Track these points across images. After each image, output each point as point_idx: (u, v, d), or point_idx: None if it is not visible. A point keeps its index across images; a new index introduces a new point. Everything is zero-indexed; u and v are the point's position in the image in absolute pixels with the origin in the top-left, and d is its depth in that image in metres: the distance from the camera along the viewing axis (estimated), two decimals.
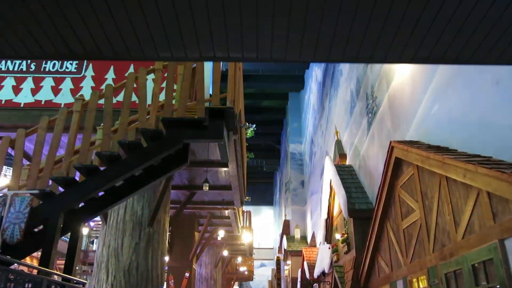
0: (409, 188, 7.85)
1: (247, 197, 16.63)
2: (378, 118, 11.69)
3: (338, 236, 13.39)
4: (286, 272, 28.37)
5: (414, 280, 7.64)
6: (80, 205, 7.62)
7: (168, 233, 11.63)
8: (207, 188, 9.83)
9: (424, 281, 7.12)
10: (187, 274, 18.50)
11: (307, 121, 28.55)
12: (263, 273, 62.13)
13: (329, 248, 15.00)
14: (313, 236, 24.02)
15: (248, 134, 27.84)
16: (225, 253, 23.48)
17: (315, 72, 25.16)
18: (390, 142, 8.42)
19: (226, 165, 11.01)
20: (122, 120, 7.22)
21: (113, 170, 7.22)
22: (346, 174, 13.14)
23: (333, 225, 14.81)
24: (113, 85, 7.78)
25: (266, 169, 47.47)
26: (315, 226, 24.34)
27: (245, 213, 27.09)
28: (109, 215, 10.92)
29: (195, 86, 7.96)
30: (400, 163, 8.31)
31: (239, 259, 28.85)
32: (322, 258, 16.66)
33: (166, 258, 30.47)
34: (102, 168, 7.22)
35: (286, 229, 29.48)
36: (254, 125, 28.18)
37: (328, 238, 15.08)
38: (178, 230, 19.36)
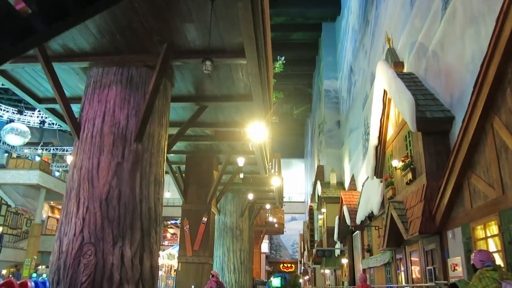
0: None
1: (274, 117, 13.39)
2: None
3: (395, 162, 10.07)
4: (320, 222, 25.51)
5: None
6: None
7: (164, 154, 8.64)
8: (209, 70, 6.60)
9: None
10: (204, 219, 15.84)
11: (345, 51, 24.64)
12: (294, 227, 59.97)
13: (381, 182, 11.74)
14: (353, 179, 20.80)
15: (276, 68, 23.99)
16: (250, 196, 20.64)
17: None
18: None
19: (242, 55, 7.72)
20: None
21: None
22: (408, 82, 9.62)
23: (385, 153, 11.47)
24: None
25: (297, 116, 43.96)
26: (354, 168, 21.06)
27: (274, 159, 24.05)
28: (82, 126, 7.97)
29: None
30: None
31: (267, 206, 26.06)
32: (368, 198, 13.46)
33: (167, 194, 27.99)
34: None
35: (320, 175, 26.36)
36: (284, 57, 24.30)
37: (379, 170, 11.79)
38: (193, 168, 16.50)
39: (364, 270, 15.74)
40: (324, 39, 29.09)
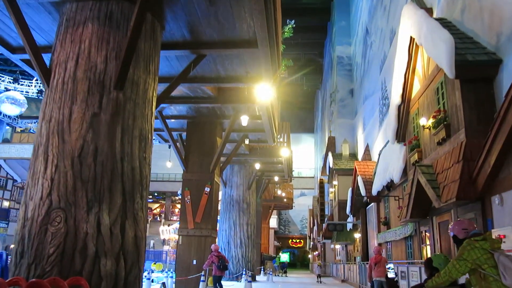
0: None
1: (282, 70, 12.03)
2: None
3: (423, 121, 8.69)
4: (331, 195, 24.34)
5: None
6: None
7: (153, 106, 7.35)
8: None
9: None
10: (207, 189, 14.67)
11: (360, 12, 22.89)
12: (303, 203, 59.08)
13: (404, 145, 10.40)
14: (367, 149, 19.45)
15: (286, 32, 22.27)
16: (257, 166, 19.42)
17: None
18: None
19: None
20: None
21: None
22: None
23: (410, 113, 10.08)
24: None
25: (307, 88, 42.33)
26: (369, 137, 19.69)
27: (283, 128, 22.68)
28: (52, 71, 6.68)
29: None
30: None
31: (276, 179, 24.90)
32: (387, 165, 12.15)
33: (169, 164, 26.84)
34: None
35: (331, 146, 25.04)
36: (293, 21, 22.65)
37: (401, 133, 10.43)
38: (195, 135, 15.20)
39: (380, 244, 14.57)
40: (337, 2, 27.27)
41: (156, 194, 51.75)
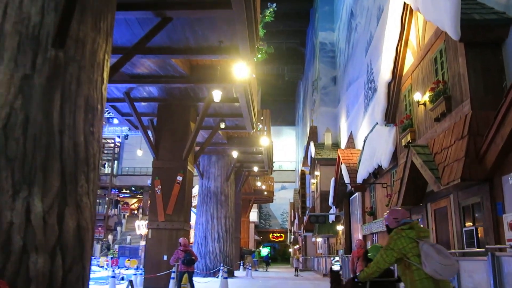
0: None
1: (261, 43, 10.96)
2: None
3: (418, 96, 7.75)
4: (313, 186, 23.47)
5: None
6: None
7: (104, 71, 6.16)
8: None
9: None
10: (179, 178, 13.54)
11: None
12: (284, 196, 58.24)
13: (393, 127, 9.48)
14: (351, 137, 18.59)
15: (267, 16, 21.09)
16: (235, 154, 18.33)
17: None
18: None
19: None
20: None
21: None
22: None
23: (401, 90, 9.14)
24: None
25: (288, 78, 41.37)
26: (352, 125, 18.83)
27: (261, 114, 21.63)
28: None
29: None
30: None
31: (255, 169, 23.88)
32: (374, 151, 11.24)
33: (140, 153, 25.38)
34: None
35: (313, 136, 24.13)
36: (274, 4, 21.51)
37: (391, 113, 9.50)
38: (166, 119, 13.93)
39: (365, 236, 13.71)
40: None
41: (133, 188, 50.24)
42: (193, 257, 9.71)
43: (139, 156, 20.44)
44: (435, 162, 6.69)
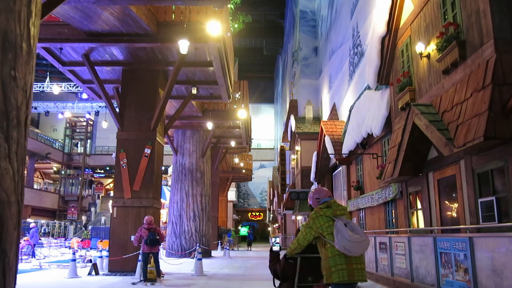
0: None
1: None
2: None
3: (420, 47, 6.62)
4: (293, 162, 22.49)
5: None
6: None
7: (33, 5, 4.69)
8: None
9: None
10: (147, 151, 12.24)
11: None
12: (262, 175, 57.32)
13: (387, 89, 8.39)
14: (334, 109, 17.52)
15: None
16: (210, 125, 17.03)
17: None
18: None
19: None
20: None
21: None
22: None
23: (397, 46, 8.01)
24: None
25: (267, 52, 39.92)
26: (336, 96, 17.75)
27: (239, 85, 20.33)
28: None
29: None
30: None
31: (232, 143, 22.69)
32: (363, 119, 10.17)
33: (105, 125, 23.97)
34: None
35: (293, 110, 22.99)
36: None
37: (385, 73, 8.39)
38: (132, 86, 12.52)
39: (350, 213, 12.78)
40: None
41: (108, 168, 48.37)
42: (158, 237, 8.59)
43: (105, 128, 19.03)
44: (444, 121, 5.62)
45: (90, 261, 13.31)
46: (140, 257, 9.45)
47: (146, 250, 8.76)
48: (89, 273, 10.91)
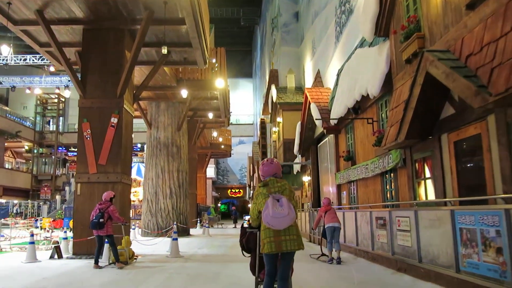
0: None
1: None
2: None
3: None
4: (275, 135, 21.41)
5: None
6: None
7: None
8: None
9: None
10: (114, 120, 10.90)
11: None
12: (242, 151, 56.19)
13: (386, 42, 7.28)
14: (318, 76, 16.41)
15: None
16: (185, 93, 15.68)
17: None
18: None
19: None
20: None
21: None
22: None
23: None
24: None
25: (244, 23, 38.22)
26: (320, 62, 16.61)
27: (215, 52, 18.95)
28: None
29: None
30: None
31: (210, 115, 21.43)
32: (355, 80, 9.07)
33: (67, 93, 22.34)
34: None
35: (273, 80, 21.76)
36: None
37: (384, 22, 7.27)
38: (94, 47, 10.98)
39: (339, 186, 11.83)
40: None
41: None
42: (101, 220, 7.62)
43: (66, 96, 17.46)
44: (470, 67, 4.57)
45: (57, 242, 12.09)
46: (106, 239, 8.34)
47: (95, 233, 7.86)
48: (51, 257, 9.70)
